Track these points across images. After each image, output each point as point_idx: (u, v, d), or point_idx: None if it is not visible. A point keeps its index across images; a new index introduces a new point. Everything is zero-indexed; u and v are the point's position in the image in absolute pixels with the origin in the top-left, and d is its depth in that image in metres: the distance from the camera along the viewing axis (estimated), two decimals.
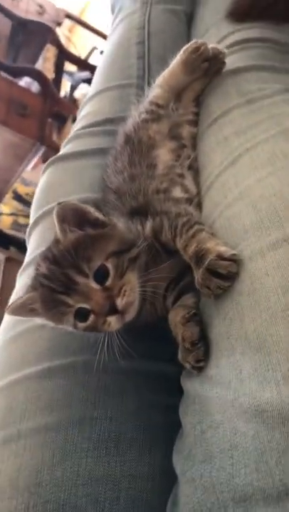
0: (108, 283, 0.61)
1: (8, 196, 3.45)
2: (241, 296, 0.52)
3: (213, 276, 0.55)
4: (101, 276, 0.61)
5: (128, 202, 0.73)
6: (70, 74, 3.91)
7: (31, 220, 0.91)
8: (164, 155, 0.80)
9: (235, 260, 0.54)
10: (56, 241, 0.63)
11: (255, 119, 0.69)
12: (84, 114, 1.06)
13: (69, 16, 3.98)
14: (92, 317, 0.61)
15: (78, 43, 4.63)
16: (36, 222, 0.90)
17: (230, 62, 0.85)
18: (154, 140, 0.82)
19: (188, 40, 1.19)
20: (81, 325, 0.62)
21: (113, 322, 0.60)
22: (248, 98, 0.74)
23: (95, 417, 0.62)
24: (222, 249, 0.56)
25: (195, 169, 0.79)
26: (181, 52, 0.83)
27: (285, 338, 0.45)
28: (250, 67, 0.81)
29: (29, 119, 2.85)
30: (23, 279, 0.82)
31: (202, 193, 0.74)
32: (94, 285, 0.60)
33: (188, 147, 0.83)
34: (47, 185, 0.93)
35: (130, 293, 0.61)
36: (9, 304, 0.65)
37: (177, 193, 0.74)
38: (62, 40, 3.89)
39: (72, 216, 0.62)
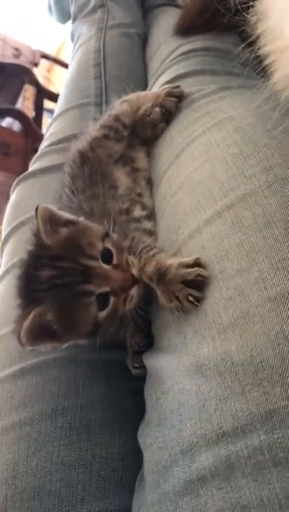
0: (115, 261, 0.62)
1: None
2: None
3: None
4: (106, 257, 0.61)
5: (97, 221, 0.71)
6: (50, 111, 4.02)
7: (2, 237, 0.94)
8: (123, 177, 0.81)
9: (200, 265, 0.54)
10: (41, 246, 0.61)
11: (195, 116, 0.74)
12: (49, 134, 1.12)
13: (45, 56, 4.10)
14: (112, 299, 0.60)
15: (57, 81, 4.76)
16: (7, 238, 0.92)
17: (174, 70, 0.91)
18: (112, 158, 0.81)
19: (143, 58, 1.27)
20: (102, 313, 0.60)
21: (135, 294, 0.61)
22: (189, 99, 0.79)
23: (65, 407, 0.64)
24: (183, 259, 0.56)
25: (152, 183, 0.81)
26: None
27: (217, 299, 0.49)
28: (190, 72, 0.87)
29: (13, 158, 2.91)
30: None
31: (154, 190, 0.78)
32: (105, 266, 0.61)
33: (143, 170, 0.84)
34: (15, 203, 0.97)
35: (136, 262, 0.62)
36: (16, 332, 0.59)
37: (137, 212, 0.76)
38: (41, 80, 4.01)
39: (49, 218, 0.62)
